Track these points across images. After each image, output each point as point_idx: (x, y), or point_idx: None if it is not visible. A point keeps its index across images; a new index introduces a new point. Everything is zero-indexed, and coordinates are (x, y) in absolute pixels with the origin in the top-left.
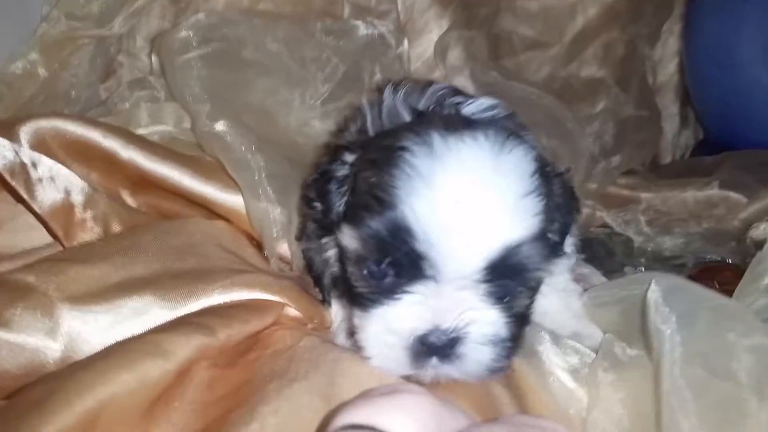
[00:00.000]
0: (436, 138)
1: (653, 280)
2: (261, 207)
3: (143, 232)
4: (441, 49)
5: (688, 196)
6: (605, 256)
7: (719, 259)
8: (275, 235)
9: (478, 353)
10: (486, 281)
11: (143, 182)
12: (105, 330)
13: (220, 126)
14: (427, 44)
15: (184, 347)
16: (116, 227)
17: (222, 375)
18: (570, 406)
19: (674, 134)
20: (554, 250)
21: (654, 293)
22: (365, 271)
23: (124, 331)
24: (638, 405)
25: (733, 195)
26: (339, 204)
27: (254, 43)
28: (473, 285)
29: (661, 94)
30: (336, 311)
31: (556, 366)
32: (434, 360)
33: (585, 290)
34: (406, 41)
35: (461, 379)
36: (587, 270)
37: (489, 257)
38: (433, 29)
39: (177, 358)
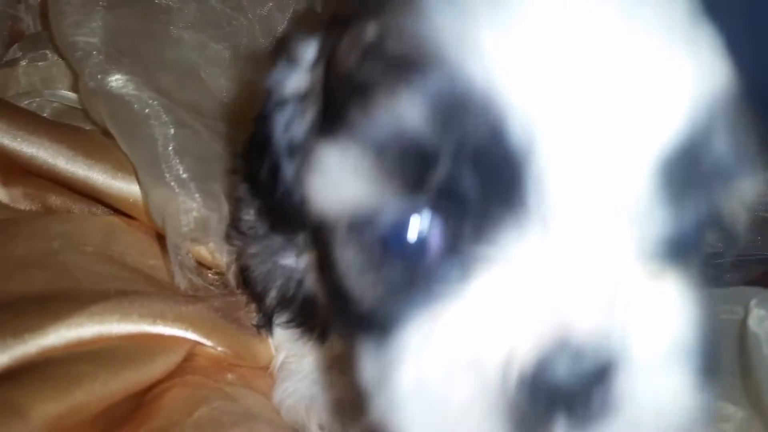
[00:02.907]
0: None
1: (754, 302)
2: (164, 192)
3: None
4: None
5: None
6: None
7: None
8: (185, 230)
9: (658, 389)
10: (652, 211)
11: (14, 167)
12: None
13: (114, 80)
14: None
15: None
16: None
17: None
18: None
19: None
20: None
21: (764, 323)
22: (379, 244)
23: None
24: None
25: None
26: (301, 126)
27: None
28: (626, 225)
29: None
30: (280, 342)
31: None
32: (562, 425)
33: None
34: None
35: None
36: None
37: (662, 152)
38: None
39: None
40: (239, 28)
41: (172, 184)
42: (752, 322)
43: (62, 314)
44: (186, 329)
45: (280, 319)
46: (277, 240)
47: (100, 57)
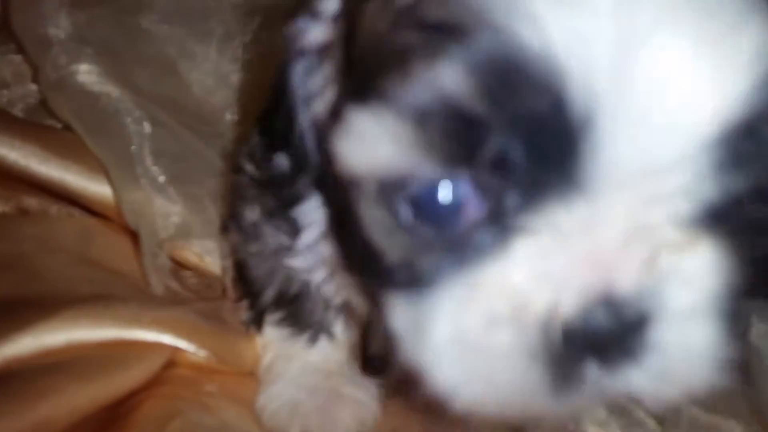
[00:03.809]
0: None
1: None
2: (139, 196)
3: None
4: None
5: None
6: None
7: None
8: (163, 236)
9: (687, 338)
10: (700, 183)
11: None
12: None
13: (80, 72)
14: None
15: None
16: None
17: None
18: None
19: None
20: None
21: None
22: (411, 207)
23: None
24: None
25: None
26: (318, 78)
27: None
28: (672, 194)
29: None
30: (268, 341)
31: None
32: (594, 368)
33: None
34: None
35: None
36: None
37: (721, 125)
38: None
39: None
40: (214, 22)
41: (148, 188)
42: (753, 336)
43: (29, 321)
44: (164, 333)
45: (272, 317)
46: (285, 240)
47: (65, 47)
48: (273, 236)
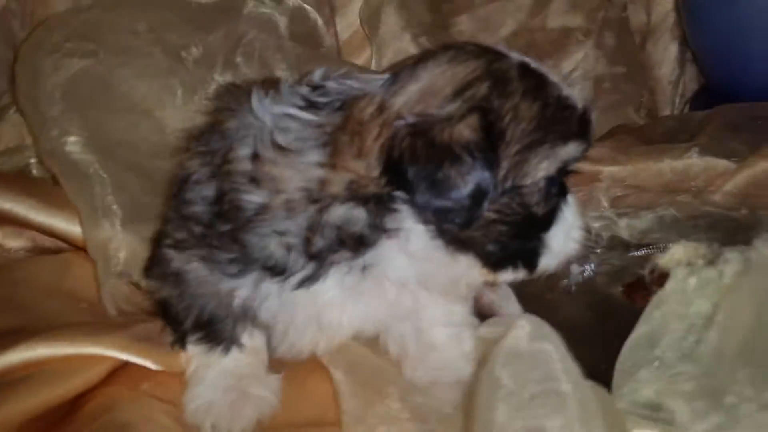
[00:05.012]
0: None
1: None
2: (99, 236)
3: None
4: (369, 14)
5: (664, 167)
6: None
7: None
8: (117, 270)
9: None
10: None
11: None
12: None
13: (68, 143)
14: (354, 16)
15: None
16: None
17: None
18: None
19: (672, 81)
20: None
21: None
22: (550, 190)
23: None
24: None
25: (717, 162)
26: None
27: (121, 32)
28: None
29: (655, 37)
30: (191, 355)
31: None
32: None
33: None
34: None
35: None
36: (498, 295)
37: None
38: None
39: None
40: (175, 78)
41: (108, 232)
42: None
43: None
44: (109, 349)
45: (192, 337)
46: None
47: (57, 122)
48: (198, 281)
